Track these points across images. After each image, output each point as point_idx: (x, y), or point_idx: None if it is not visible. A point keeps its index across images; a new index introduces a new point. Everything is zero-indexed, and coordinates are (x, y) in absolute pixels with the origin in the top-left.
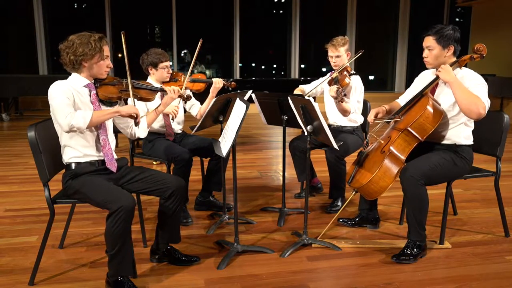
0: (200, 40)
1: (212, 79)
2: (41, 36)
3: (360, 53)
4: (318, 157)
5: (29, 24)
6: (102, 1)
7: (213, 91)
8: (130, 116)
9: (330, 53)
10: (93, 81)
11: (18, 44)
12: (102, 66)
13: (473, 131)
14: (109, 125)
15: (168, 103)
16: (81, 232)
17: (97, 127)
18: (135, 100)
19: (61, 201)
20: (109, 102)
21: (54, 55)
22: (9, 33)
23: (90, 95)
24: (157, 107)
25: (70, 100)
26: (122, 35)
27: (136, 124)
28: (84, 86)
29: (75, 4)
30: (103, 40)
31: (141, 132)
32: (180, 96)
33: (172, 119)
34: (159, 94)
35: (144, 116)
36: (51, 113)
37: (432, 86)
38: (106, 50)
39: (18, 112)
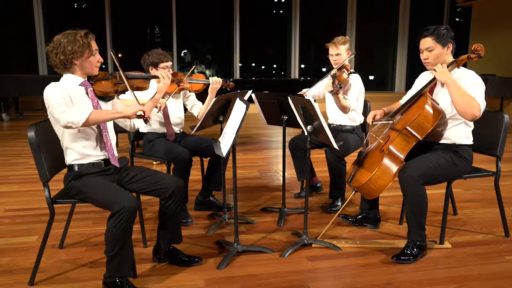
0: (195, 64)
1: (210, 78)
2: (41, 36)
3: (352, 55)
4: (318, 157)
5: (29, 24)
6: (102, 1)
7: (211, 91)
8: (138, 116)
9: (330, 51)
10: (86, 79)
11: (18, 44)
12: (92, 62)
13: (473, 131)
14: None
15: (163, 90)
16: (81, 232)
17: (98, 125)
18: (133, 91)
19: (61, 201)
20: (107, 97)
21: None
22: (9, 33)
23: (87, 93)
24: (153, 96)
25: (65, 100)
26: (112, 53)
27: (146, 121)
28: (80, 84)
29: (75, 4)
30: (89, 36)
31: (141, 124)
32: (173, 80)
33: (158, 111)
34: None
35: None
36: (48, 115)
37: (431, 85)
38: (94, 45)
39: (18, 112)
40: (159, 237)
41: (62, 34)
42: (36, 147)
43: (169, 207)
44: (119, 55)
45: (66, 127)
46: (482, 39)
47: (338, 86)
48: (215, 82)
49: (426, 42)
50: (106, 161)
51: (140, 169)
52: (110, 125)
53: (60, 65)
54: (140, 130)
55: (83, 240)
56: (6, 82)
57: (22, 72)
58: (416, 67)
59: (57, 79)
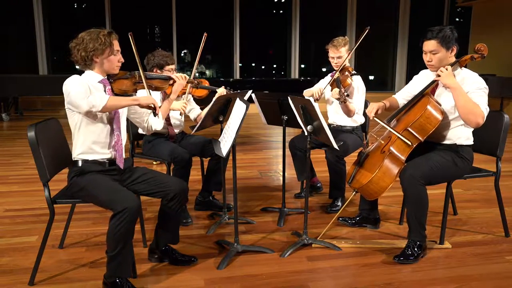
0: (205, 34)
1: (217, 88)
2: (41, 36)
3: (367, 30)
4: (318, 157)
5: (29, 24)
6: (102, 1)
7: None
8: (148, 107)
9: (331, 54)
10: (106, 77)
11: (18, 44)
12: (113, 61)
13: (473, 131)
14: (123, 121)
15: (178, 90)
16: (81, 232)
17: (111, 120)
18: (150, 90)
19: (61, 201)
20: (125, 96)
21: (54, 55)
22: (9, 33)
23: (105, 91)
24: (168, 96)
25: (86, 89)
26: (130, 36)
27: (155, 114)
28: (99, 82)
29: (75, 4)
30: (112, 35)
31: (157, 123)
32: (190, 82)
33: (180, 114)
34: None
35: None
36: (66, 105)
37: (433, 86)
38: (116, 45)
39: (18, 112)
40: (157, 235)
41: (86, 32)
42: (36, 147)
43: (170, 207)
44: None
45: (87, 112)
46: (482, 39)
47: (346, 94)
48: (222, 92)
49: (430, 45)
50: (111, 161)
51: (143, 171)
52: (123, 125)
53: (81, 61)
54: (158, 129)
55: (83, 240)
56: (6, 82)
57: (22, 72)
58: (416, 67)
59: (57, 79)
